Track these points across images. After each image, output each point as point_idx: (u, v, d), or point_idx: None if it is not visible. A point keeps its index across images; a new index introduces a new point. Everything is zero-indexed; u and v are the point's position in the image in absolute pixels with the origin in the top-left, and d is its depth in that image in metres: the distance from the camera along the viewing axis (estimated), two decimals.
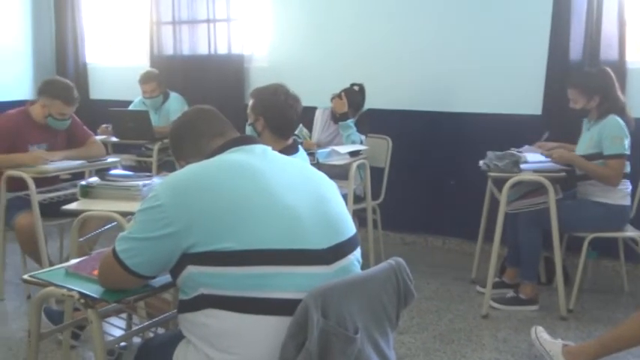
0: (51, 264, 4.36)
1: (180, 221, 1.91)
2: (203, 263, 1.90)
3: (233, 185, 1.96)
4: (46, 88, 4.55)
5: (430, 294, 4.67)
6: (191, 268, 1.92)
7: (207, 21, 6.44)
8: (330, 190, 2.15)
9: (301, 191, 2.04)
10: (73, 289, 2.08)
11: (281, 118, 3.49)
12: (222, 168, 2.03)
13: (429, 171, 5.77)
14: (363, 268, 2.09)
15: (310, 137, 5.31)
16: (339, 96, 5.06)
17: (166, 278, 2.10)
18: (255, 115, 3.51)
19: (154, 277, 2.06)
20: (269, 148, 2.18)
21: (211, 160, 2.09)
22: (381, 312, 2.03)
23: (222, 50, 6.44)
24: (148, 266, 1.99)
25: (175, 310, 2.22)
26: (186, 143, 2.29)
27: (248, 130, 3.59)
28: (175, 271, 1.97)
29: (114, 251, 1.99)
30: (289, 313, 1.86)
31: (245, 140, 2.19)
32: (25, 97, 6.70)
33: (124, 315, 3.19)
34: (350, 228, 2.10)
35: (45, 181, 4.38)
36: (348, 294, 1.92)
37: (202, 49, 6.54)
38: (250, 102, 3.58)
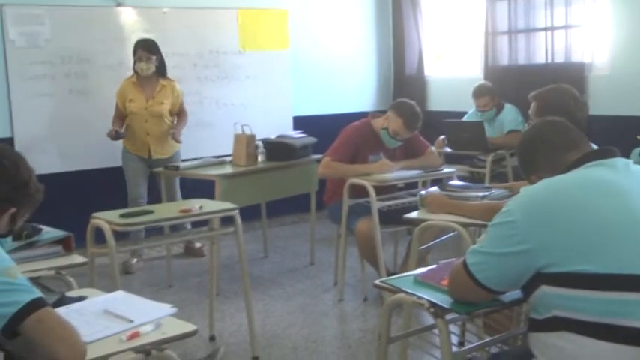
0: (386, 269, 4.53)
1: (534, 239, 1.85)
2: (558, 284, 1.82)
3: (593, 204, 1.85)
4: (397, 105, 4.78)
5: None
6: (545, 288, 1.85)
7: (545, 29, 6.25)
8: None
9: None
10: (422, 297, 2.11)
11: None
12: (580, 185, 1.92)
13: None
14: None
15: None
16: None
17: (516, 293, 2.05)
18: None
19: (503, 292, 2.03)
20: (630, 162, 2.03)
21: (568, 175, 1.99)
22: None
23: (559, 59, 6.19)
24: (498, 281, 1.96)
25: (520, 327, 2.16)
26: (539, 157, 2.20)
27: None
28: (527, 288, 1.92)
29: (464, 263, 1.99)
30: None
31: (605, 153, 2.05)
32: (366, 109, 7.06)
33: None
34: None
35: (383, 190, 4.55)
36: None
37: (539, 58, 6.36)
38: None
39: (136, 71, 5.57)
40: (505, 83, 6.41)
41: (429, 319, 3.91)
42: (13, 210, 1.99)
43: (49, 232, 2.92)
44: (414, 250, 3.43)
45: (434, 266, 2.38)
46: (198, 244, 5.97)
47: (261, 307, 4.60)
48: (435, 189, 3.73)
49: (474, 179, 5.73)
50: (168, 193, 5.42)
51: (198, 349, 3.89)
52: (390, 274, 4.45)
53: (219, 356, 3.38)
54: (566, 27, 6.11)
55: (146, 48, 5.53)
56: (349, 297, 4.79)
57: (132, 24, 6.11)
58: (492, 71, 6.68)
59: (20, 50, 5.62)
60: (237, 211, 3.70)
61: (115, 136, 5.49)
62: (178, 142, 5.65)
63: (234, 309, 4.56)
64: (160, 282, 5.23)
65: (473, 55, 7.22)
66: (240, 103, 6.70)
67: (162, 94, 5.62)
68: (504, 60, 6.66)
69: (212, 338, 4.09)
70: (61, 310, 1.94)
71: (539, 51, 6.36)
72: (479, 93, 6.12)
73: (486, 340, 2.50)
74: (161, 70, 5.64)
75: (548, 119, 2.37)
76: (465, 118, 6.32)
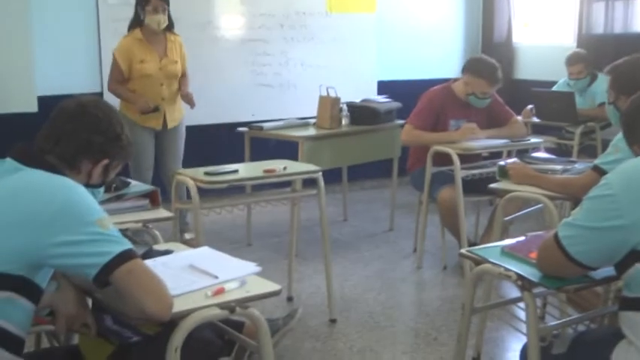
0: (467, 239, 4.46)
1: (632, 215, 1.77)
2: None
3: None
4: (472, 67, 4.64)
5: None
6: (639, 267, 1.77)
7: None
8: None
9: None
10: (510, 270, 2.06)
11: None
12: None
13: None
14: None
15: None
16: None
17: (608, 270, 1.97)
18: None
19: (596, 269, 1.95)
20: None
21: None
22: None
23: None
24: (591, 256, 1.89)
25: (608, 305, 2.09)
26: None
27: None
28: (621, 266, 1.84)
29: (556, 236, 1.93)
30: None
31: None
32: (451, 74, 6.91)
33: None
34: None
35: (467, 158, 4.46)
36: None
37: (637, 27, 6.11)
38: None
39: (143, 26, 4.80)
40: (600, 53, 6.17)
41: (510, 292, 3.90)
42: (105, 161, 2.02)
43: (136, 185, 2.99)
44: (498, 221, 3.37)
45: (522, 238, 2.32)
46: (189, 236, 4.98)
47: (339, 270, 4.60)
48: (514, 160, 3.63)
49: (562, 151, 5.59)
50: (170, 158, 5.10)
51: (276, 309, 3.91)
52: (470, 244, 4.39)
53: (298, 317, 3.39)
54: None
55: None
56: (428, 264, 4.75)
57: None
58: (586, 40, 6.45)
59: (112, 7, 5.70)
60: (320, 173, 3.70)
61: (151, 111, 4.82)
62: (193, 105, 5.02)
63: (312, 271, 4.58)
64: (240, 240, 5.30)
65: (565, 22, 6.99)
66: (325, 65, 6.66)
67: (174, 52, 4.94)
68: (599, 28, 6.42)
69: (290, 299, 4.12)
70: (148, 263, 1.97)
71: (638, 19, 6.11)
72: (573, 60, 5.92)
73: (574, 317, 2.44)
74: (170, 23, 4.90)
75: None
76: (554, 88, 6.14)
